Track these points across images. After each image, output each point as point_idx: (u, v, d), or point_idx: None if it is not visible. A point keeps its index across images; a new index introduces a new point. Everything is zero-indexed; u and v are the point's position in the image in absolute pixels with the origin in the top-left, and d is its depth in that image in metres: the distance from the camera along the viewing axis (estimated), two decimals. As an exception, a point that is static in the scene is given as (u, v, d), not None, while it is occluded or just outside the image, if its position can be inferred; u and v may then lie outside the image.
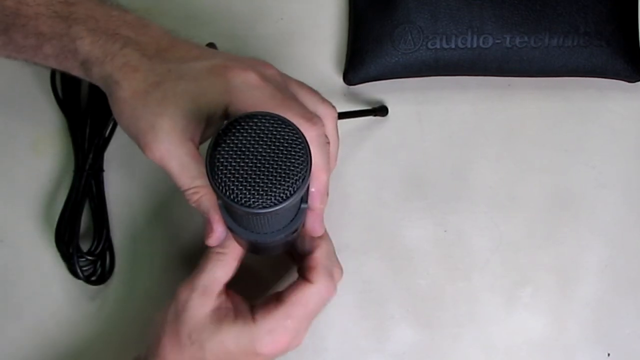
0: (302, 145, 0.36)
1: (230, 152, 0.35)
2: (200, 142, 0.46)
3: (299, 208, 0.41)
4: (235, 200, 0.35)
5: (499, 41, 0.58)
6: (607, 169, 0.59)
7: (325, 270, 0.48)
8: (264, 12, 0.62)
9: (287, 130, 0.36)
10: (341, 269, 0.50)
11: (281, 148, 0.36)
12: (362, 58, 0.59)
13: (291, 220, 0.41)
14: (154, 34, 0.48)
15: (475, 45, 0.58)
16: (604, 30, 0.58)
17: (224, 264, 0.47)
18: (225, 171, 0.35)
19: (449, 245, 0.58)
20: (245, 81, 0.45)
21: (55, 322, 0.56)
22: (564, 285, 0.57)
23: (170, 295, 0.48)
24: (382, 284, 0.57)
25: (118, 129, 0.57)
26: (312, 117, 0.45)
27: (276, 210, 0.35)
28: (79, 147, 0.57)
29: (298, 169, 0.36)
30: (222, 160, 0.35)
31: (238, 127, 0.36)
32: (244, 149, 0.35)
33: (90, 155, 0.56)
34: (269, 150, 0.36)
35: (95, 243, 0.55)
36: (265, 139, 0.36)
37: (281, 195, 0.35)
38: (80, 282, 0.55)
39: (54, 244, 0.55)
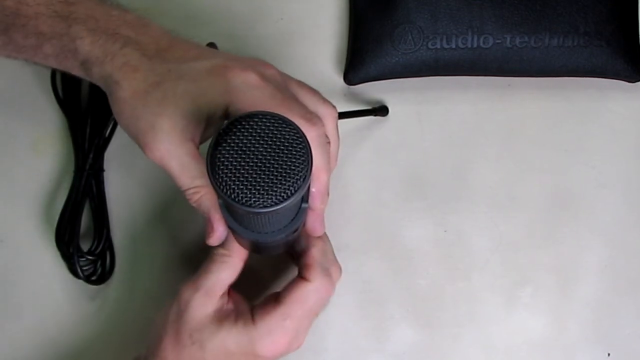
0: (303, 144, 0.36)
1: (231, 152, 0.35)
2: (201, 142, 0.46)
3: (300, 208, 0.41)
4: (236, 199, 0.35)
5: (499, 41, 0.58)
6: (607, 169, 0.59)
7: (321, 267, 0.48)
8: (264, 12, 0.62)
9: (288, 129, 0.36)
10: (340, 268, 0.50)
11: (282, 147, 0.36)
12: (362, 58, 0.59)
13: (292, 220, 0.41)
14: (154, 33, 0.48)
15: (475, 45, 0.58)
16: (604, 30, 0.58)
17: (229, 265, 0.47)
18: (226, 170, 0.35)
19: (449, 245, 0.58)
20: (245, 81, 0.45)
21: (55, 322, 0.56)
22: (564, 285, 0.57)
23: (171, 295, 0.48)
24: (382, 284, 0.57)
25: (118, 129, 0.57)
26: (312, 118, 0.45)
27: (277, 209, 0.35)
28: (79, 147, 0.57)
29: (299, 169, 0.36)
30: (223, 159, 0.35)
31: (239, 126, 0.36)
32: (244, 149, 0.35)
33: (91, 155, 0.56)
34: (269, 150, 0.36)
35: (95, 243, 0.55)
36: (266, 139, 0.36)
37: (282, 194, 0.35)
38: (80, 282, 0.55)
39: (54, 244, 0.55)
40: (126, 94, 0.45)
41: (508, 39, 0.58)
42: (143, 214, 0.58)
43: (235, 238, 0.46)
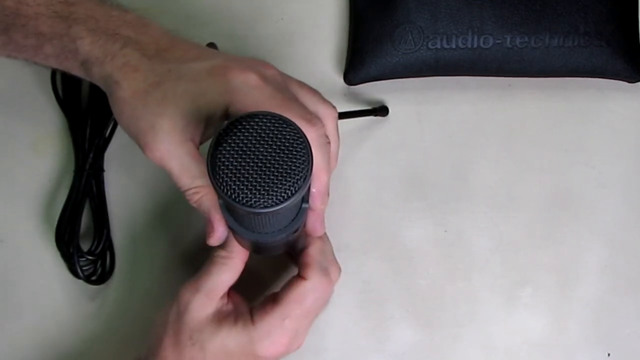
0: (304, 144, 0.36)
1: (232, 152, 0.35)
2: (200, 143, 0.46)
3: (300, 208, 0.41)
4: (237, 199, 0.35)
5: (499, 41, 0.58)
6: (607, 169, 0.59)
7: (318, 266, 0.48)
8: (264, 12, 0.62)
9: (289, 130, 0.36)
10: (339, 268, 0.50)
11: (282, 148, 0.36)
12: (362, 58, 0.59)
13: (292, 220, 0.41)
14: (154, 33, 0.48)
15: (475, 46, 0.58)
16: (604, 30, 0.58)
17: (229, 267, 0.47)
18: (226, 171, 0.35)
19: (449, 245, 0.58)
20: (245, 82, 0.45)
21: (55, 322, 0.56)
22: (564, 285, 0.57)
23: (171, 296, 0.48)
24: (382, 284, 0.57)
25: (118, 129, 0.57)
26: (312, 118, 0.45)
27: (277, 209, 0.35)
28: (79, 147, 0.57)
29: (299, 169, 0.36)
30: (223, 159, 0.35)
31: (239, 126, 0.36)
32: (245, 149, 0.36)
33: (91, 155, 0.56)
34: (270, 150, 0.36)
35: (95, 243, 0.55)
36: (267, 139, 0.36)
37: (282, 194, 0.35)
38: (80, 282, 0.55)
39: (54, 244, 0.55)
40: (126, 94, 0.45)
41: (508, 39, 0.58)
42: (143, 214, 0.58)
43: (236, 238, 0.46)
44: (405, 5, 0.58)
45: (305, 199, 0.41)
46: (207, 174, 0.36)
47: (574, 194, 0.59)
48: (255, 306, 0.48)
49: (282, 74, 0.48)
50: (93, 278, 0.55)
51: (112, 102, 0.46)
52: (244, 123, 0.36)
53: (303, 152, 0.36)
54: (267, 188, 0.35)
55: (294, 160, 0.36)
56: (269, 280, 0.56)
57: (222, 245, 0.47)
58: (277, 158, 0.36)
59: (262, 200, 0.35)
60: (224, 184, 0.35)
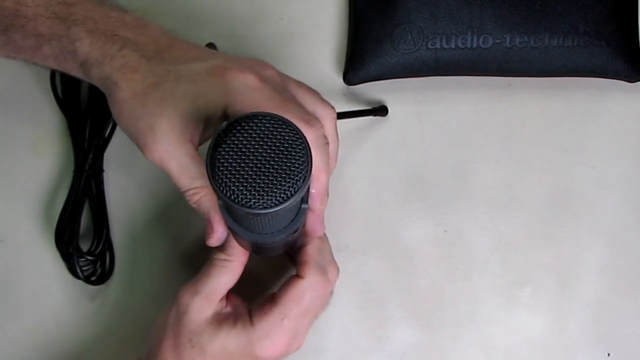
0: (303, 145, 0.36)
1: (231, 153, 0.35)
2: (200, 143, 0.46)
3: (300, 208, 0.41)
4: (236, 200, 0.35)
5: (499, 41, 0.58)
6: (607, 169, 0.59)
7: (316, 264, 0.48)
8: (264, 12, 0.62)
9: (288, 130, 0.36)
10: (337, 268, 0.50)
11: (282, 148, 0.36)
12: (362, 58, 0.59)
13: (292, 221, 0.41)
14: (153, 34, 0.48)
15: (475, 45, 0.58)
16: (604, 30, 0.58)
17: (229, 270, 0.47)
18: (225, 172, 0.35)
19: (449, 245, 0.58)
20: (243, 83, 0.45)
21: (55, 322, 0.56)
22: (564, 285, 0.57)
23: (171, 296, 0.48)
24: (382, 284, 0.57)
25: (118, 129, 0.57)
26: (310, 120, 0.45)
27: (277, 210, 0.35)
28: (78, 147, 0.57)
29: (299, 169, 0.36)
30: (222, 160, 0.35)
31: (239, 127, 0.36)
32: (244, 150, 0.35)
33: (90, 156, 0.56)
34: (269, 151, 0.36)
35: (95, 243, 0.55)
36: (266, 140, 0.36)
37: (282, 195, 0.35)
38: (80, 282, 0.55)
39: (54, 244, 0.55)
40: (125, 95, 0.45)
41: (508, 39, 0.58)
42: (143, 214, 0.58)
43: (235, 239, 0.46)
44: (405, 5, 0.58)
45: (305, 199, 0.41)
46: (206, 174, 0.36)
47: (574, 194, 0.59)
48: (254, 307, 0.48)
49: (281, 75, 0.48)
50: (93, 278, 0.55)
51: (111, 103, 0.46)
52: (243, 124, 0.36)
53: (302, 153, 0.36)
54: (267, 189, 0.35)
55: (293, 161, 0.36)
56: (268, 281, 0.56)
57: (222, 248, 0.47)
58: (276, 159, 0.36)
59: (261, 201, 0.35)
60: (223, 184, 0.35)
